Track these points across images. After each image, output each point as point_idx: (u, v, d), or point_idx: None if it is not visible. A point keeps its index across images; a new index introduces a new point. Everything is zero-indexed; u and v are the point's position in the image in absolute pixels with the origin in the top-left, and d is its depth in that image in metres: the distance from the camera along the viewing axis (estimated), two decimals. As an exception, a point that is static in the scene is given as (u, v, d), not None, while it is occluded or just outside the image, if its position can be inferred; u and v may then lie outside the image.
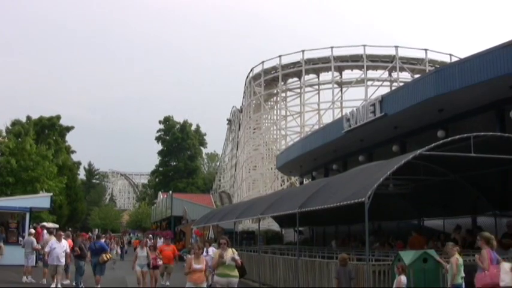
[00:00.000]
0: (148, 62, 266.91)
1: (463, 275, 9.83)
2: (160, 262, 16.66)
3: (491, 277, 8.39)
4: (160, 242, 32.95)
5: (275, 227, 33.34)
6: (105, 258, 16.31)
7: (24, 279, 18.27)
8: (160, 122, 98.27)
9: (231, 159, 78.84)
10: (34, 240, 20.20)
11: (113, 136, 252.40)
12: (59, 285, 16.27)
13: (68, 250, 16.88)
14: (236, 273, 11.22)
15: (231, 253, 11.13)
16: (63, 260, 16.42)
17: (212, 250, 16.46)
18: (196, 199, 62.55)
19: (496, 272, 8.38)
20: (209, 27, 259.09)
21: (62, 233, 17.77)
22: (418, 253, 10.82)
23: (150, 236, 42.76)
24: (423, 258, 10.56)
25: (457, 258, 9.79)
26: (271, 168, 52.56)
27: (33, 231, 21.90)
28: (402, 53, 46.55)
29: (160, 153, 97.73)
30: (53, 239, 17.33)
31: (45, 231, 25.39)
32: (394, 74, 46.85)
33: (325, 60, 47.98)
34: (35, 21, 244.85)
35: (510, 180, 15.38)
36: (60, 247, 16.40)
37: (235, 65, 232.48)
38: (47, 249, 16.58)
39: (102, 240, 18.19)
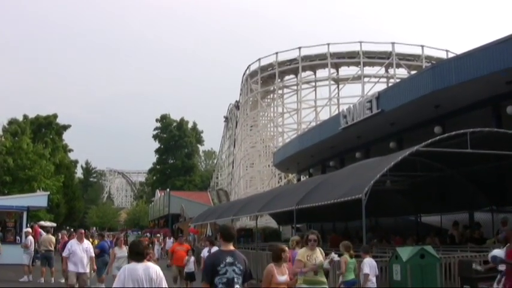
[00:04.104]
0: (145, 60, 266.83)
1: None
2: None
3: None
4: (170, 242, 31.60)
5: (273, 224, 33.37)
6: None
7: (25, 278, 18.24)
8: (157, 120, 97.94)
9: (228, 157, 78.84)
10: (32, 239, 20.02)
11: (110, 134, 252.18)
12: None
13: (93, 253, 13.21)
14: (325, 279, 8.68)
15: (320, 254, 8.54)
16: (88, 267, 12.82)
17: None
18: (193, 197, 62.65)
19: None
20: (205, 25, 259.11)
21: (83, 232, 13.94)
22: (416, 249, 10.85)
23: (158, 235, 41.77)
24: (420, 254, 10.59)
25: (347, 258, 9.79)
26: (269, 166, 52.58)
27: (30, 230, 21.77)
28: (399, 49, 46.55)
29: (157, 151, 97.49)
30: (73, 239, 13.57)
31: (41, 229, 25.32)
32: (391, 71, 46.85)
33: (322, 57, 47.95)
34: (33, 20, 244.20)
35: (507, 176, 15.42)
36: (83, 250, 12.72)
37: (232, 62, 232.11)
38: (65, 254, 12.98)
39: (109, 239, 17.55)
